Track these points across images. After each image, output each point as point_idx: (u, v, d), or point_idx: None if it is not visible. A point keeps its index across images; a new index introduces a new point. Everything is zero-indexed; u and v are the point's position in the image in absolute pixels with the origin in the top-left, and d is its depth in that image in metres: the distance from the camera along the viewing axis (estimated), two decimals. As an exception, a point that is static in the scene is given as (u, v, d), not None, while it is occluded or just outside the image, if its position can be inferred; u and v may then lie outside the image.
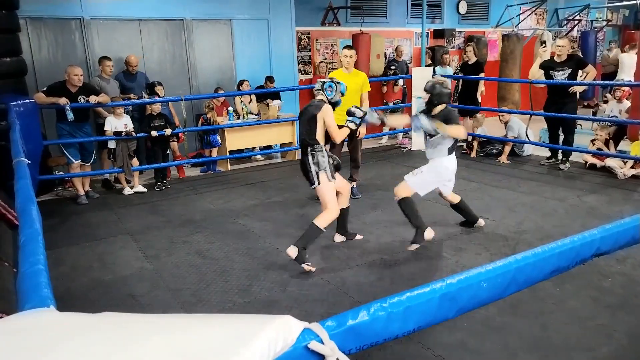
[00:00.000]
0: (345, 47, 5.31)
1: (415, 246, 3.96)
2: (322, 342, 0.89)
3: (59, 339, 0.73)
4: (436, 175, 4.07)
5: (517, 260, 1.27)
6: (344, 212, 4.12)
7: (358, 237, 4.31)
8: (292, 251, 3.62)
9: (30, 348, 0.69)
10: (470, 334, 2.78)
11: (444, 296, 1.09)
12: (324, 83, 3.93)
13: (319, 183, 3.73)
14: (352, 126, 3.89)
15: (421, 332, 1.13)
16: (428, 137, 4.02)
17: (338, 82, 3.92)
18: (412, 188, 4.03)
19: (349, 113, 3.90)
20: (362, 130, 5.26)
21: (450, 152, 4.02)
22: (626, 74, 9.43)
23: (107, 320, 0.82)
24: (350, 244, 4.20)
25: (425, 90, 4.03)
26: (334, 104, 3.91)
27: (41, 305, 1.00)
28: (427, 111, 3.99)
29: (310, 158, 3.75)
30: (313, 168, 3.73)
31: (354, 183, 5.49)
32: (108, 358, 0.68)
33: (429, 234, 4.02)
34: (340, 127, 3.91)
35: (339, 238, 4.25)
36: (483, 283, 1.16)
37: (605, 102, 10.05)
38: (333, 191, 3.78)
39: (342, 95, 3.96)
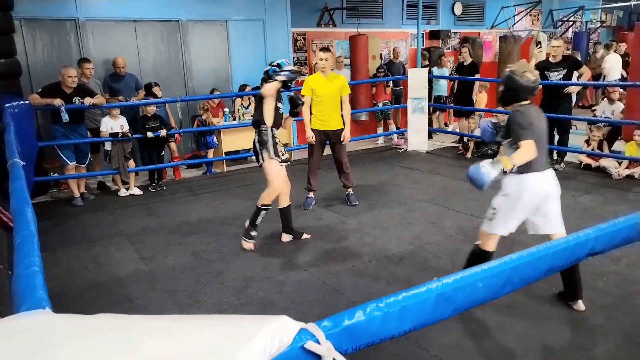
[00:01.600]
0: (321, 50, 5.10)
1: None
2: (318, 343, 0.89)
3: (56, 341, 0.73)
4: (510, 202, 2.96)
5: (512, 260, 1.27)
6: (284, 211, 4.28)
7: (305, 236, 4.36)
8: (246, 223, 4.16)
9: (26, 350, 0.69)
10: (466, 334, 2.79)
11: (440, 296, 1.09)
12: (267, 72, 4.06)
13: (263, 160, 4.03)
14: (291, 120, 4.28)
15: (417, 332, 1.13)
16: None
17: (278, 63, 4.04)
18: (494, 233, 3.02)
19: (295, 105, 4.17)
20: (347, 135, 5.11)
21: (524, 170, 2.85)
22: (610, 75, 9.50)
23: (104, 321, 0.81)
24: (347, 245, 4.20)
25: (501, 82, 3.06)
26: (286, 82, 4.03)
27: (37, 307, 1.00)
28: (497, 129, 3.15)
29: (256, 137, 4.05)
30: (257, 146, 4.03)
31: (349, 190, 5.36)
32: (105, 358, 0.68)
33: None
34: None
35: (285, 238, 4.34)
36: (479, 283, 1.16)
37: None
38: (277, 169, 4.05)
39: (282, 66, 4.02)
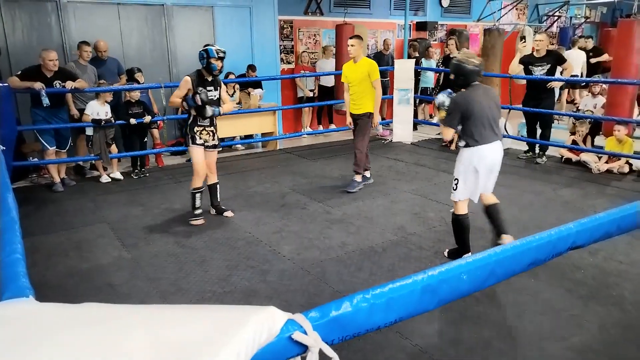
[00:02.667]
0: (352, 37, 5.35)
1: (446, 254, 3.79)
2: (305, 333, 0.90)
3: (41, 331, 0.72)
4: (465, 170, 3.50)
5: (496, 253, 1.30)
6: (212, 187, 4.69)
7: (228, 213, 4.68)
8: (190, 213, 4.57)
9: (12, 340, 0.68)
10: (447, 324, 2.83)
11: (426, 288, 1.11)
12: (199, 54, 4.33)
13: (186, 145, 4.48)
14: (187, 104, 4.29)
15: (399, 323, 1.14)
16: None
17: (207, 49, 4.29)
18: (462, 199, 3.57)
19: (195, 93, 4.25)
20: (375, 120, 5.37)
21: (468, 144, 3.44)
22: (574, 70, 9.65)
23: (89, 311, 0.81)
24: (330, 235, 4.21)
25: (450, 71, 3.57)
26: (208, 70, 4.29)
27: (20, 295, 0.98)
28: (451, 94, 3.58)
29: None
30: (183, 131, 4.43)
31: (355, 176, 5.42)
32: (93, 351, 0.67)
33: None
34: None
35: (212, 210, 4.73)
36: (463, 275, 1.18)
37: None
38: (196, 156, 4.39)
39: (215, 57, 4.26)
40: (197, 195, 4.48)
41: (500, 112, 3.68)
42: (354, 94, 5.33)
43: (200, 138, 4.38)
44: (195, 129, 4.35)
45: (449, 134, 3.54)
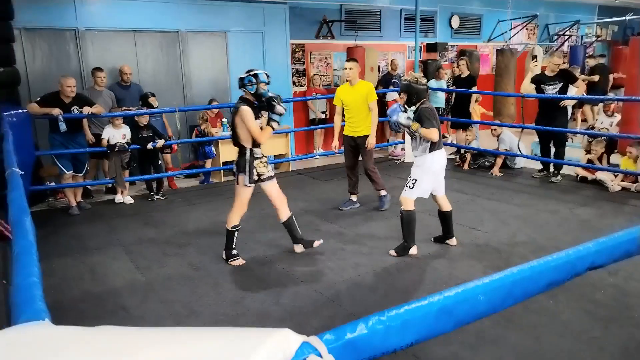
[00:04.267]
0: (349, 60, 5.34)
1: (394, 253, 4.15)
2: (320, 356, 0.88)
3: (57, 354, 0.72)
4: (424, 172, 4.05)
5: (513, 274, 1.27)
6: (287, 224, 4.21)
7: (317, 243, 4.26)
8: (223, 254, 4.13)
9: (28, 363, 0.69)
10: (464, 347, 2.77)
11: (442, 309, 1.09)
12: (243, 79, 3.88)
13: (237, 183, 4.01)
14: (275, 125, 3.88)
15: (415, 345, 1.12)
16: (413, 137, 4.13)
17: (256, 73, 3.85)
18: (416, 197, 4.09)
19: (271, 108, 3.81)
20: (371, 141, 5.33)
21: (432, 149, 4.01)
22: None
23: (104, 334, 0.81)
24: (343, 256, 4.19)
25: (401, 90, 4.12)
26: (259, 96, 3.83)
27: (36, 318, 0.99)
28: (406, 110, 4.08)
29: (236, 159, 3.97)
30: (235, 168, 3.99)
31: (381, 192, 5.48)
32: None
33: (413, 251, 4.16)
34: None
35: (298, 248, 4.28)
36: (480, 296, 1.16)
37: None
38: (246, 194, 4.00)
39: (267, 83, 3.87)
40: (236, 233, 4.11)
41: None
42: (352, 117, 5.30)
43: (257, 173, 3.93)
44: (255, 162, 3.90)
45: (435, 134, 3.94)
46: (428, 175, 4.05)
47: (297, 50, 8.69)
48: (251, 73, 3.87)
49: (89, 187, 6.45)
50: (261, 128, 3.89)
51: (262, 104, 3.86)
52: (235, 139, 3.93)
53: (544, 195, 5.91)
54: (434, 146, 4.02)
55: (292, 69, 8.63)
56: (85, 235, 4.97)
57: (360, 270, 3.91)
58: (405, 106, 4.07)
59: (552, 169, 6.70)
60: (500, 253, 4.19)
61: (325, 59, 9.08)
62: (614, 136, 6.63)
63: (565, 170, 6.67)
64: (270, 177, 4.02)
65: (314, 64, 8.95)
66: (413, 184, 4.05)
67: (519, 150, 6.97)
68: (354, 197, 5.61)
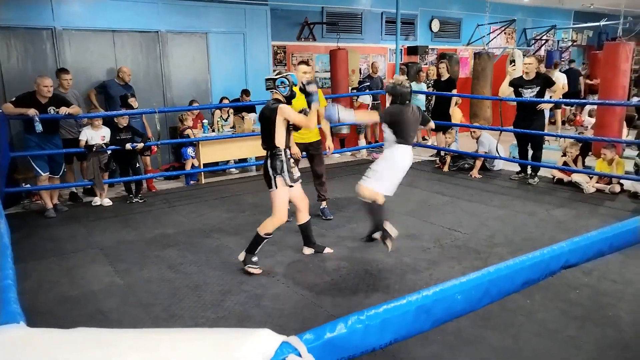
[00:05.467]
0: (302, 63, 5.16)
1: (378, 235, 4.26)
2: (300, 356, 0.89)
3: (33, 357, 0.71)
4: (389, 165, 4.15)
5: (489, 273, 1.30)
6: (305, 227, 4.18)
7: (327, 250, 4.28)
8: (241, 255, 3.91)
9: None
10: (443, 347, 2.81)
11: (420, 308, 1.11)
12: (274, 80, 3.78)
13: (275, 187, 3.78)
14: (316, 106, 3.79)
15: (394, 345, 1.14)
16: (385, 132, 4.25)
17: (287, 75, 3.80)
18: (376, 190, 4.14)
19: (308, 93, 3.76)
20: (330, 145, 5.24)
21: (399, 142, 4.13)
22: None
23: (82, 336, 0.80)
24: (324, 258, 4.20)
25: (387, 92, 4.32)
26: (290, 98, 3.81)
27: (11, 321, 0.97)
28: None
29: (269, 162, 3.79)
30: (271, 172, 3.77)
31: (324, 203, 5.33)
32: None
33: (388, 226, 4.14)
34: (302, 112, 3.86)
35: (307, 251, 4.27)
36: (458, 295, 1.18)
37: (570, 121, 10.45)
38: (286, 197, 3.84)
39: (295, 85, 3.84)
40: (265, 242, 3.90)
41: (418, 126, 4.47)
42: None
43: (297, 172, 3.81)
44: (291, 163, 3.79)
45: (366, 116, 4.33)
46: (395, 167, 4.15)
47: (278, 51, 8.69)
48: (283, 75, 3.79)
49: (74, 190, 6.34)
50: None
51: (289, 101, 3.83)
52: (269, 141, 3.77)
53: (521, 197, 6.01)
54: (400, 141, 4.17)
55: (274, 70, 8.61)
56: (61, 237, 4.88)
57: (341, 271, 3.92)
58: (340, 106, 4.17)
59: (529, 171, 6.82)
60: (479, 254, 4.25)
61: (307, 61, 9.09)
62: (588, 139, 6.79)
63: (542, 172, 6.80)
64: (299, 178, 3.92)
65: (295, 66, 8.94)
66: (372, 174, 4.18)
67: (498, 152, 7.08)
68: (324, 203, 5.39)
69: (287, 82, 3.76)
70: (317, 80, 3.86)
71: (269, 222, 3.84)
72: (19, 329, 0.91)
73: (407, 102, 4.19)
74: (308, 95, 3.78)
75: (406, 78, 4.60)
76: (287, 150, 3.82)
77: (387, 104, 4.25)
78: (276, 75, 3.83)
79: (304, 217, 4.14)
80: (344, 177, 7.30)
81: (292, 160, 3.86)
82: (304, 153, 5.14)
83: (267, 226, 3.84)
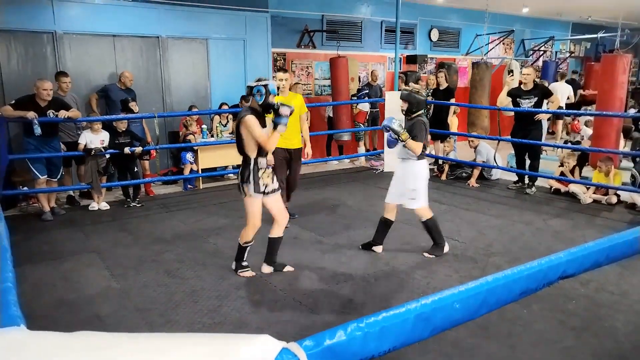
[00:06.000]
0: (280, 71, 5.20)
1: (431, 256, 4.37)
2: (299, 362, 0.89)
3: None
4: (417, 179, 4.24)
5: (488, 282, 1.30)
6: (272, 241, 4.00)
7: (288, 268, 4.08)
8: (233, 265, 4.06)
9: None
10: (440, 356, 2.80)
11: (419, 316, 1.11)
12: (252, 89, 3.71)
13: (244, 194, 3.76)
14: (282, 129, 3.67)
15: (393, 354, 1.14)
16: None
17: (266, 84, 3.65)
18: (425, 206, 4.33)
19: (277, 114, 3.63)
20: (309, 152, 5.31)
21: (420, 157, 4.24)
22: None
23: (83, 340, 0.80)
24: (322, 265, 4.19)
25: (401, 99, 4.32)
26: (266, 107, 3.67)
27: (11, 324, 0.97)
28: (407, 116, 4.33)
29: (240, 169, 3.80)
30: (238, 178, 3.83)
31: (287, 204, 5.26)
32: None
33: (446, 248, 4.43)
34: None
35: (266, 269, 4.05)
36: (456, 304, 1.19)
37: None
38: (255, 206, 3.77)
39: (275, 94, 3.70)
40: (248, 249, 3.97)
41: None
42: (287, 128, 5.09)
43: (263, 184, 3.74)
44: (260, 173, 3.71)
45: (419, 148, 4.17)
46: (422, 181, 4.27)
47: (278, 58, 8.72)
48: (261, 83, 3.67)
49: (72, 193, 6.32)
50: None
51: (265, 111, 3.72)
52: (241, 149, 3.75)
53: (519, 207, 6.03)
54: (423, 154, 4.28)
55: (274, 77, 8.63)
56: (58, 241, 4.87)
57: (338, 279, 3.92)
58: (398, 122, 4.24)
59: (527, 180, 6.85)
60: (476, 262, 4.25)
61: (307, 68, 9.13)
62: (587, 150, 6.82)
63: (540, 182, 6.83)
64: (274, 190, 3.82)
65: (295, 73, 8.98)
66: (419, 194, 4.24)
67: (495, 162, 7.10)
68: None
69: (263, 91, 3.63)
70: (291, 108, 3.73)
71: (244, 231, 3.88)
72: (19, 332, 0.91)
73: (423, 110, 4.30)
74: (277, 116, 3.64)
75: (421, 87, 4.70)
76: (261, 160, 3.72)
77: (404, 111, 4.30)
78: (255, 82, 3.73)
79: (276, 231, 3.98)
80: (342, 184, 7.31)
81: (263, 171, 3.73)
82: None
83: (244, 235, 3.89)
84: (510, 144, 7.05)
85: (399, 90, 8.46)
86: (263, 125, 3.69)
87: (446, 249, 4.42)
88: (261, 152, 3.71)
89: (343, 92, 8.57)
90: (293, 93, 5.37)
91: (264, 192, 3.73)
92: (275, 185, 3.84)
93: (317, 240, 4.80)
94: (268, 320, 3.27)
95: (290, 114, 3.69)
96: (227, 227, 5.25)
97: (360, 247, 4.56)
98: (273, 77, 8.55)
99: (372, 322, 1.04)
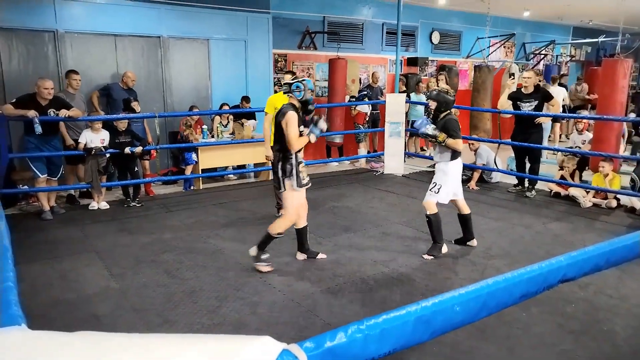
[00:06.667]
0: (288, 72, 5.30)
1: (430, 257, 4.35)
2: (300, 364, 0.89)
3: (36, 359, 0.71)
4: (448, 177, 4.35)
5: (488, 285, 1.30)
6: (300, 231, 4.24)
7: (321, 256, 4.33)
8: (252, 250, 4.02)
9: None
10: (439, 358, 2.80)
11: (419, 319, 1.11)
12: (290, 85, 3.90)
13: (284, 189, 3.90)
14: (313, 138, 3.87)
15: (392, 356, 1.14)
16: (436, 144, 4.43)
17: (303, 80, 3.90)
18: (438, 201, 4.38)
19: (314, 122, 3.88)
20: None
21: (453, 158, 4.33)
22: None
23: (83, 339, 0.80)
24: (321, 266, 4.19)
25: (431, 98, 4.41)
26: (305, 103, 3.90)
27: (12, 323, 0.97)
28: (434, 118, 4.39)
29: (280, 164, 3.89)
30: (280, 173, 3.90)
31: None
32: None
33: (444, 249, 4.44)
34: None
35: (300, 256, 4.31)
36: (456, 307, 1.19)
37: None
38: (295, 200, 3.92)
39: (312, 90, 3.99)
40: (275, 240, 4.01)
41: None
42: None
43: (303, 177, 3.89)
44: (300, 166, 3.86)
45: (460, 144, 4.32)
46: (451, 180, 4.36)
47: (279, 59, 8.73)
48: (299, 79, 3.90)
49: (72, 192, 6.32)
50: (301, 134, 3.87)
51: (307, 119, 3.92)
52: (281, 144, 3.88)
53: (518, 210, 6.03)
54: (455, 154, 4.34)
55: (274, 78, 8.66)
56: (57, 240, 4.86)
57: (338, 280, 3.91)
58: (431, 119, 4.40)
59: (527, 184, 6.85)
60: (475, 265, 4.25)
61: (308, 70, 9.14)
62: (586, 153, 6.83)
63: (540, 185, 6.83)
64: (308, 183, 4.00)
65: (296, 74, 8.99)
66: (438, 189, 4.35)
67: (496, 165, 7.10)
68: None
69: (302, 87, 3.85)
70: (327, 125, 3.96)
71: (281, 222, 3.96)
72: (20, 331, 0.91)
73: (450, 112, 4.36)
74: (315, 126, 3.88)
75: (450, 88, 4.79)
76: (298, 155, 3.90)
77: (432, 111, 4.39)
78: (292, 79, 3.95)
79: (301, 222, 4.21)
80: (342, 185, 7.31)
81: (302, 165, 3.91)
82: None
83: (277, 226, 3.95)
84: (510, 147, 7.05)
85: (400, 92, 8.47)
86: (299, 124, 3.87)
87: (444, 249, 4.43)
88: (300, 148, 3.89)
89: (339, 93, 8.58)
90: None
91: (304, 185, 3.92)
92: (308, 179, 4.01)
93: (317, 242, 4.79)
94: (267, 321, 3.26)
95: (322, 132, 3.93)
96: (227, 228, 5.25)
97: (454, 242, 4.72)
98: (274, 78, 8.57)
99: (373, 324, 1.04)
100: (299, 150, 3.91)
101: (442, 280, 3.95)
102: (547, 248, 4.64)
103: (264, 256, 4.01)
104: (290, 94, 3.92)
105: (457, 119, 4.38)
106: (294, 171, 3.83)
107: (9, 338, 0.83)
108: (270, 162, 5.22)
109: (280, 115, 3.89)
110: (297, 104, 3.90)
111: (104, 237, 4.94)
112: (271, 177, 7.75)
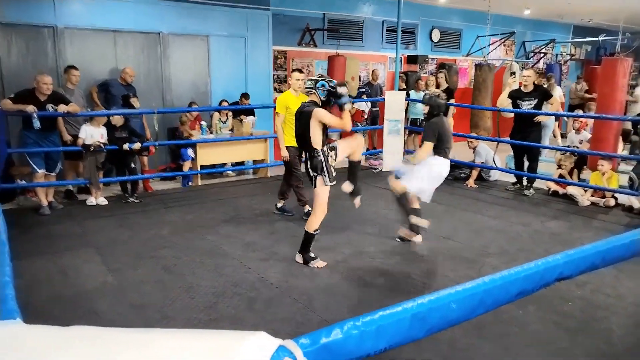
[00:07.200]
0: (296, 71, 5.32)
1: (419, 239, 4.62)
2: (296, 360, 0.90)
3: (31, 353, 0.72)
4: (428, 170, 4.44)
5: (485, 283, 1.31)
6: (354, 165, 4.32)
7: (319, 264, 4.10)
8: (298, 257, 4.15)
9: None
10: (436, 355, 2.81)
11: (415, 316, 1.11)
12: (316, 82, 3.94)
13: (315, 186, 3.96)
14: (349, 107, 3.90)
15: (387, 353, 1.14)
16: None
17: (329, 80, 3.94)
18: (408, 187, 4.46)
19: (341, 95, 3.88)
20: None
21: (437, 154, 4.44)
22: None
23: (79, 334, 0.80)
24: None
25: (424, 103, 4.62)
26: (326, 103, 3.93)
27: (8, 317, 0.97)
28: (427, 119, 4.57)
29: (309, 162, 3.94)
30: (311, 172, 3.94)
31: (307, 207, 5.35)
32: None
33: (423, 223, 4.57)
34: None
35: (347, 187, 4.29)
36: (453, 304, 1.19)
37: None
38: (326, 195, 4.00)
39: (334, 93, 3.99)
40: (316, 237, 4.10)
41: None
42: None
43: (332, 172, 3.94)
44: (329, 163, 3.90)
45: (424, 153, 4.47)
46: (431, 178, 4.46)
47: (279, 56, 8.71)
48: (326, 79, 3.94)
49: (70, 188, 6.31)
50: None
51: (326, 103, 3.94)
52: (305, 142, 3.90)
53: (516, 208, 6.04)
54: (442, 153, 4.46)
55: (274, 75, 8.65)
56: (55, 235, 4.86)
57: (334, 277, 3.92)
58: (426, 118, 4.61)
59: (525, 182, 6.86)
60: (473, 263, 4.26)
61: (307, 67, 9.13)
62: (585, 153, 6.84)
63: (538, 184, 6.84)
64: (336, 178, 4.06)
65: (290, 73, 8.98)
66: (411, 175, 4.47)
67: (494, 163, 7.11)
68: (308, 207, 5.39)
69: (327, 87, 3.90)
70: (347, 82, 3.95)
71: (314, 218, 4.03)
72: (15, 326, 0.91)
73: (443, 114, 4.52)
74: (338, 97, 3.89)
75: (441, 92, 4.93)
76: (325, 149, 3.92)
77: (424, 115, 4.60)
78: (318, 77, 4.00)
79: (357, 156, 4.29)
80: (339, 183, 7.29)
81: (330, 158, 3.93)
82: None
83: (313, 223, 4.03)
84: (509, 145, 7.05)
85: (399, 89, 8.46)
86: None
87: (423, 223, 4.54)
88: (324, 142, 3.93)
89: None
90: (303, 94, 5.36)
91: (334, 179, 3.98)
92: (335, 173, 4.03)
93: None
94: (264, 317, 3.27)
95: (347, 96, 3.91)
96: (225, 224, 5.25)
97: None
98: (274, 75, 8.56)
99: (369, 320, 1.04)
100: (323, 146, 3.90)
101: (440, 277, 3.96)
102: (544, 246, 4.65)
103: (312, 254, 4.10)
104: (312, 91, 3.94)
105: (439, 122, 4.45)
106: (324, 167, 3.89)
107: (5, 332, 0.84)
108: (287, 159, 5.31)
109: (304, 115, 3.85)
110: (319, 102, 3.93)
111: (102, 233, 4.94)
112: (270, 174, 7.79)
